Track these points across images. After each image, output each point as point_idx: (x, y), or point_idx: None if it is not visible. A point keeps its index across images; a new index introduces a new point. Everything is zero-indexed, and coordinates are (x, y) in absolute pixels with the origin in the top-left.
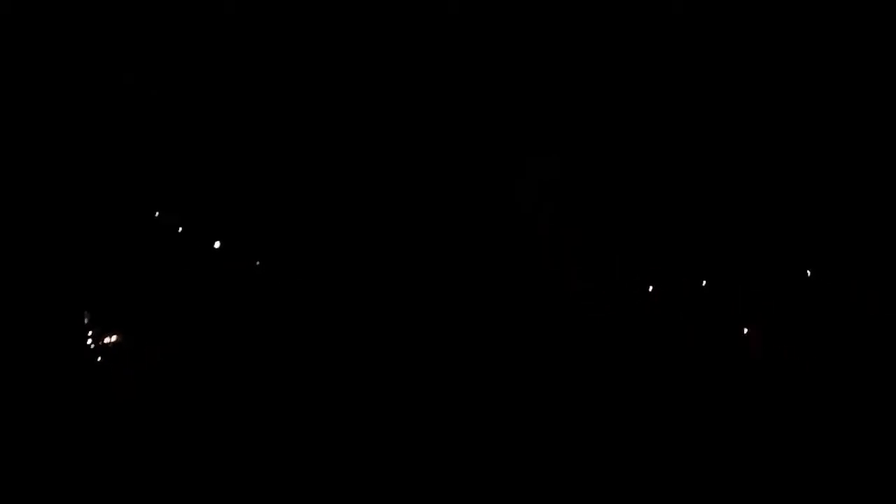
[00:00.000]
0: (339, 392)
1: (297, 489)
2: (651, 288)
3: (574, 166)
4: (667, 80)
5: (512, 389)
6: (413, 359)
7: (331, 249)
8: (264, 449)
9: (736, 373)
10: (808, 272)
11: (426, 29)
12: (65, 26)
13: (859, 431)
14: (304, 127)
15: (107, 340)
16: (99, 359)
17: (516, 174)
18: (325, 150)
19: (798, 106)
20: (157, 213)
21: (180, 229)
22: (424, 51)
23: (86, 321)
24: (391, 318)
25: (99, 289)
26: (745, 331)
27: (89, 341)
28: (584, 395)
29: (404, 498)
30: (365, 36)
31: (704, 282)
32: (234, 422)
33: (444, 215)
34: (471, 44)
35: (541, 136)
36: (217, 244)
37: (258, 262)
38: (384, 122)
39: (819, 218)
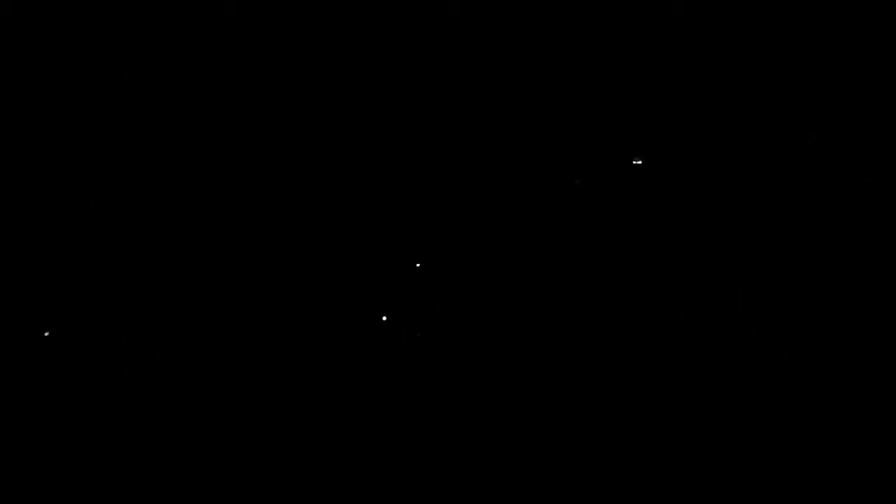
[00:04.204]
0: (337, 392)
1: (296, 489)
2: (649, 288)
3: (574, 165)
4: (666, 82)
5: (510, 390)
6: (410, 358)
7: (329, 248)
8: (264, 449)
9: (735, 373)
10: (808, 271)
11: (426, 29)
12: (65, 26)
13: (859, 432)
14: (305, 127)
15: (106, 340)
16: (98, 359)
17: (514, 174)
18: (325, 150)
19: (797, 105)
20: (155, 213)
21: (179, 229)
22: (423, 51)
23: (85, 321)
24: (388, 317)
25: (97, 289)
26: (745, 330)
27: (88, 341)
28: (581, 395)
29: (402, 498)
30: (365, 36)
31: (703, 282)
32: (234, 422)
33: (442, 214)
34: (472, 44)
35: (539, 136)
36: (216, 244)
37: (259, 262)
38: (382, 123)
39: (818, 217)
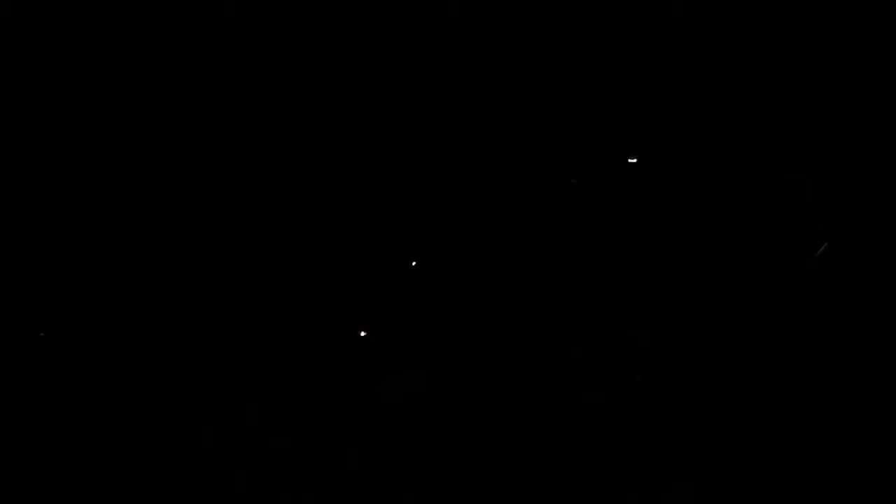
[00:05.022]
0: (336, 395)
1: (293, 488)
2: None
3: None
4: (662, 82)
5: (507, 388)
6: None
7: (327, 256)
8: (260, 448)
9: (735, 373)
10: (808, 272)
11: (426, 29)
12: (65, 26)
13: (858, 432)
14: (303, 127)
15: (99, 341)
16: (89, 359)
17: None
18: (324, 151)
19: (795, 106)
20: (149, 215)
21: (171, 231)
22: (423, 51)
23: (79, 323)
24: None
25: (93, 289)
26: (744, 331)
27: (83, 341)
28: (578, 392)
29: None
30: (365, 36)
31: (703, 284)
32: (228, 422)
33: (439, 213)
34: (471, 44)
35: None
36: (214, 243)
37: (251, 264)
38: (381, 123)
39: (817, 217)
